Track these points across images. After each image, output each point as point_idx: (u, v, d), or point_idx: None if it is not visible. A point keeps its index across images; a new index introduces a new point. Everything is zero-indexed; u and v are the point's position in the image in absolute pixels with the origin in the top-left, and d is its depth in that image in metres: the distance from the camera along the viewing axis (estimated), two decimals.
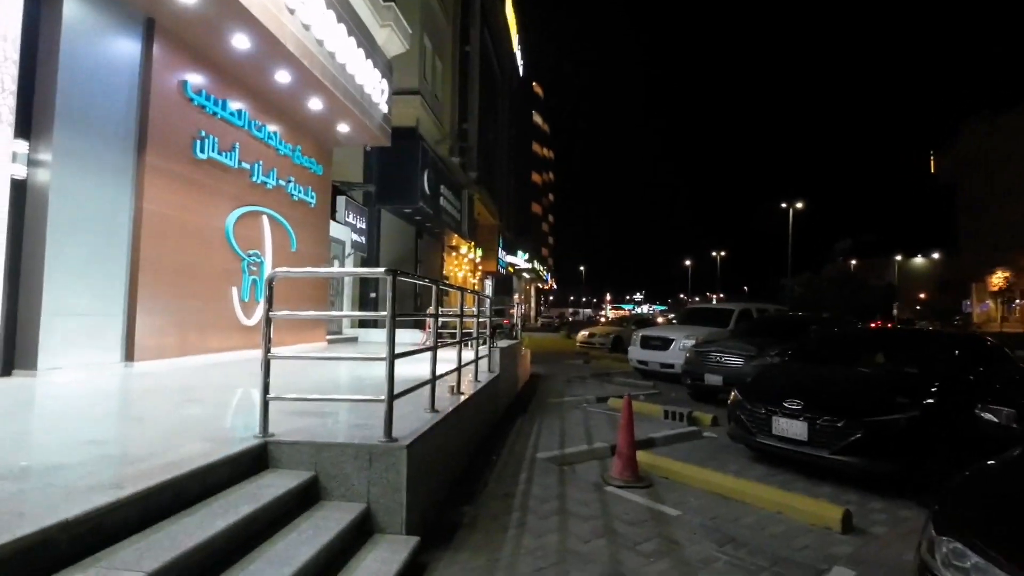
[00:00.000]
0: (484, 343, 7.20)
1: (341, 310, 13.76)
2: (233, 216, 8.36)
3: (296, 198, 10.22)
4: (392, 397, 3.02)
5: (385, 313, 3.08)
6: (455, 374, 4.95)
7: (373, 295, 15.90)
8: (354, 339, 13.40)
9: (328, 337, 11.89)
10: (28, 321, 5.45)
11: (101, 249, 6.17)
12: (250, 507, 2.49)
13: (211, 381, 5.66)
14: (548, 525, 3.49)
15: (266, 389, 3.10)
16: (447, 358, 5.03)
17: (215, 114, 7.84)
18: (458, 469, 4.38)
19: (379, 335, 13.76)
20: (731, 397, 5.74)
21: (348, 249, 13.97)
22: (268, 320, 3.17)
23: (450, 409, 4.21)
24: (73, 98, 5.75)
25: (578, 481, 4.51)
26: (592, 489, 4.30)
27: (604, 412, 7.83)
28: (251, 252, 8.82)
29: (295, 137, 10.14)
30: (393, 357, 3.07)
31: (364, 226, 15.53)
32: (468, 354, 5.94)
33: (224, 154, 8.06)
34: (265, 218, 9.23)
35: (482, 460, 5.03)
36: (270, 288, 3.22)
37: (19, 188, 5.41)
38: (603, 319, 45.71)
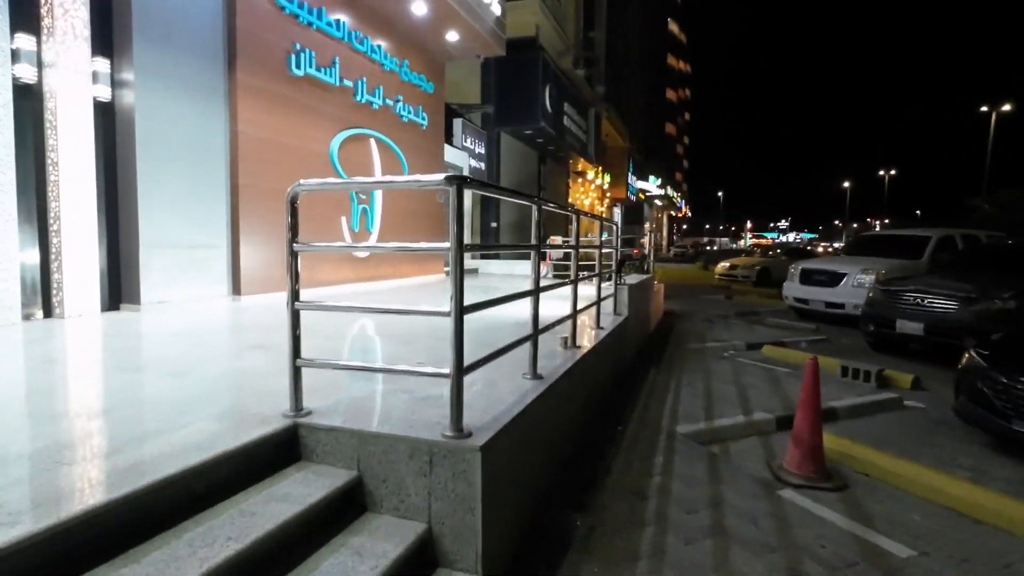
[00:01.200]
0: (608, 279, 6.01)
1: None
2: (338, 139, 7.76)
3: (406, 119, 9.44)
4: (461, 371, 2.01)
5: (448, 245, 2.01)
6: (569, 322, 3.85)
7: (494, 224, 15.17)
8: (474, 271, 12.84)
9: (446, 269, 11.36)
10: (129, 254, 5.26)
11: (199, 177, 5.81)
12: (263, 528, 1.69)
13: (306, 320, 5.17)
14: (699, 555, 2.38)
15: (296, 352, 2.25)
16: (561, 295, 3.97)
17: (310, 24, 7.09)
18: (567, 449, 3.37)
19: (500, 267, 13.06)
20: (964, 359, 4.05)
21: (466, 174, 13.17)
22: (293, 253, 2.28)
23: (561, 372, 3.16)
24: (152, 10, 5.22)
25: (737, 474, 3.30)
26: (759, 490, 3.08)
27: (759, 364, 6.36)
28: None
29: (401, 51, 9.23)
30: (461, 312, 2.03)
31: (483, 151, 14.60)
32: (586, 291, 4.82)
33: (323, 70, 7.36)
34: (372, 142, 8.58)
35: (602, 430, 3.98)
36: (293, 209, 2.29)
37: (106, 111, 5.07)
38: (745, 250, 41.85)
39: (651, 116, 46.01)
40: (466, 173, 13.06)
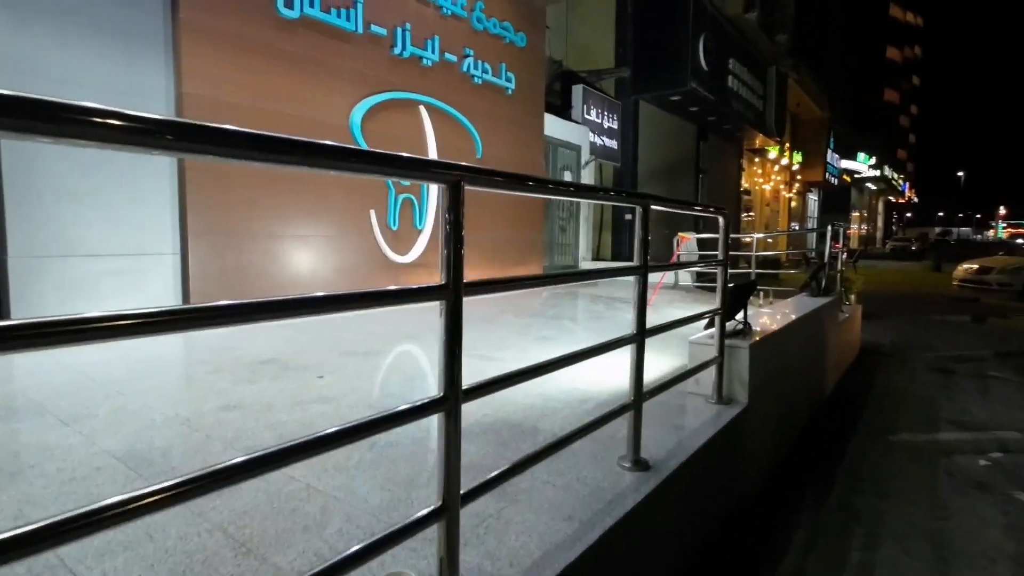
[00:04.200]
0: (728, 320, 3.08)
1: (574, 239, 10.61)
2: (363, 106, 5.81)
3: (479, 80, 7.20)
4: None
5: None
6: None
7: (628, 216, 12.23)
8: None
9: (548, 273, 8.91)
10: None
11: (127, 159, 4.24)
12: None
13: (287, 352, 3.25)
14: None
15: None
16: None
17: None
18: None
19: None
20: None
21: (585, 155, 10.54)
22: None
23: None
24: None
25: None
26: None
27: None
28: None
29: None
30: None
31: (615, 124, 11.76)
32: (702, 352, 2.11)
33: (335, 12, 5.44)
34: (423, 110, 6.49)
35: None
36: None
37: None
38: (1000, 244, 32.55)
39: (862, 79, 37.62)
40: (586, 152, 10.43)
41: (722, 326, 2.58)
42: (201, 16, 4.51)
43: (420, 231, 6.57)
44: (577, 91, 10.67)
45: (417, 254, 6.51)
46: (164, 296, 4.52)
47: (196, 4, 4.48)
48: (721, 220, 2.61)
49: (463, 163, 1.18)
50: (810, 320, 4.03)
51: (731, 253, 2.88)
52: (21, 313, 3.80)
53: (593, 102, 11.02)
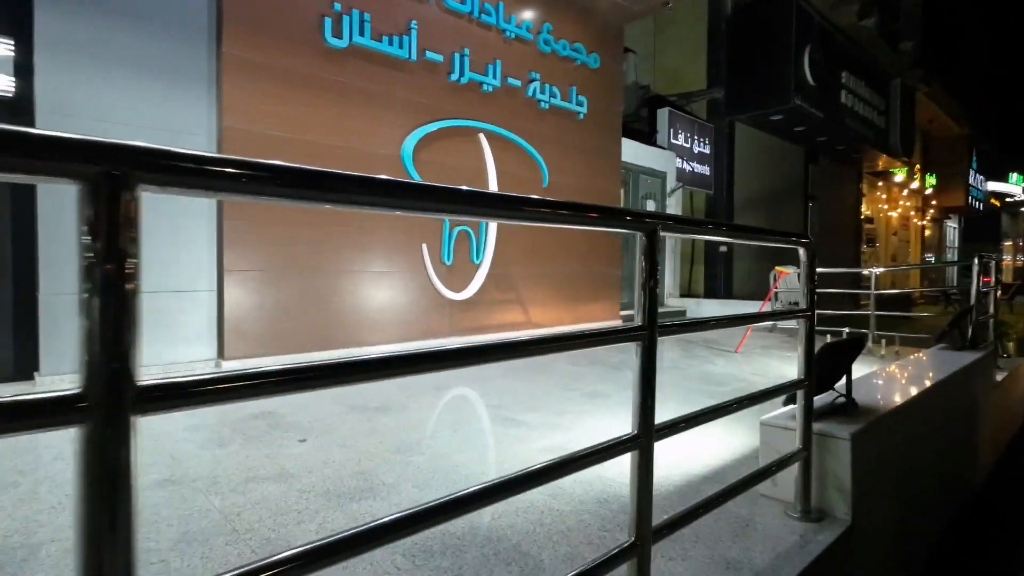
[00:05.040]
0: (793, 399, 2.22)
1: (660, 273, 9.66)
2: (415, 136, 5.52)
3: (546, 105, 6.74)
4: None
5: None
6: None
7: (724, 248, 11.09)
8: (680, 313, 9.20)
9: (626, 312, 8.12)
10: (24, 303, 3.79)
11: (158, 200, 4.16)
12: None
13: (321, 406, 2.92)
14: None
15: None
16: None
17: None
18: None
19: (716, 307, 9.18)
20: None
21: (671, 183, 9.67)
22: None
23: None
24: None
25: None
26: None
27: None
28: None
29: (539, 9, 6.61)
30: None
31: (706, 149, 10.80)
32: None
33: (387, 39, 5.23)
34: (482, 137, 6.11)
35: None
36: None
37: (12, 110, 3.72)
38: None
39: (1012, 90, 32.96)
40: (672, 179, 9.60)
41: (807, 406, 1.77)
42: (244, 50, 4.43)
43: (478, 265, 6.10)
44: (662, 114, 9.90)
45: (474, 290, 6.04)
46: (200, 335, 4.36)
47: (239, 38, 4.40)
48: (802, 252, 1.83)
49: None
50: (953, 384, 2.98)
51: (850, 291, 2.06)
52: (52, 353, 3.74)
53: (681, 125, 10.17)
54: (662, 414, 1.24)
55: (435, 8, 5.64)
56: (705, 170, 10.79)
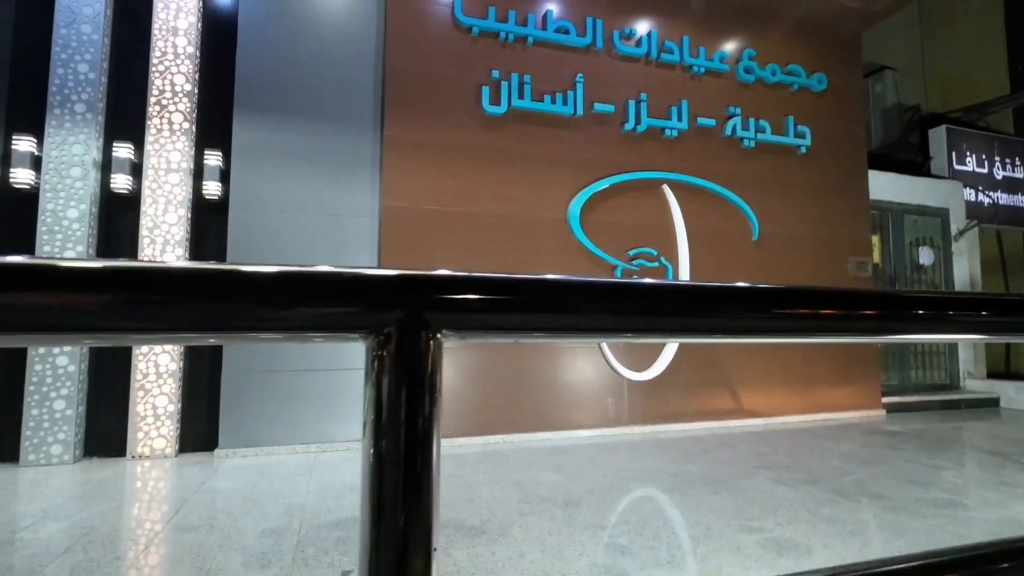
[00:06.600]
0: None
1: (950, 344, 7.06)
2: (583, 195, 5.00)
3: (750, 143, 5.61)
4: None
5: None
6: None
7: None
8: (992, 402, 6.53)
9: (894, 400, 6.03)
10: (215, 379, 4.18)
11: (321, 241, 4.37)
12: None
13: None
14: None
15: None
16: None
17: (524, 40, 4.89)
18: None
19: None
20: None
21: (959, 221, 7.17)
22: None
23: None
24: (253, 72, 4.32)
25: None
26: None
27: None
28: (635, 252, 5.10)
29: (736, 33, 5.64)
30: None
31: (1020, 172, 7.89)
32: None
33: (548, 99, 4.92)
34: (666, 189, 5.28)
35: None
36: None
37: (217, 210, 4.31)
38: None
39: None
40: (959, 217, 7.20)
41: None
42: (404, 130, 4.53)
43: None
44: (938, 134, 7.57)
45: (659, 370, 5.04)
46: (357, 385, 4.35)
47: (400, 119, 4.53)
48: None
49: None
50: None
51: None
52: (228, 432, 4.06)
53: (969, 146, 7.62)
54: None
55: (604, 57, 5.16)
56: (1019, 200, 7.84)
